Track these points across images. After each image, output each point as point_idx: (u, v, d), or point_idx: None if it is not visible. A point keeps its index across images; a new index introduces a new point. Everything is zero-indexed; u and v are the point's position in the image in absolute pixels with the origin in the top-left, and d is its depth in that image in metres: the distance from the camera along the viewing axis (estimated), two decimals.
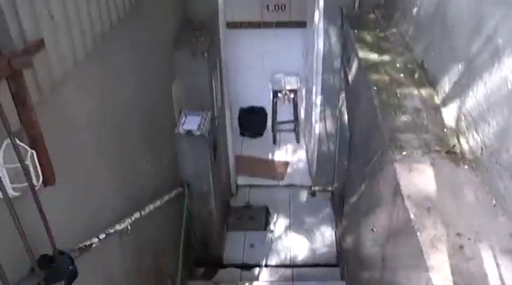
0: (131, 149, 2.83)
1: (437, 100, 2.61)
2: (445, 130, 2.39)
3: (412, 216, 1.89)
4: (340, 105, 4.64)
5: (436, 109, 2.56)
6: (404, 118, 2.53)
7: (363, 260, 3.15)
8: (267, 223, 5.16)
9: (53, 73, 1.68)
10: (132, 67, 2.80)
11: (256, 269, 4.44)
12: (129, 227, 2.57)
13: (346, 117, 4.67)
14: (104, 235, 2.19)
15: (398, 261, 2.20)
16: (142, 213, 2.81)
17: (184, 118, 4.00)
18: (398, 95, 2.74)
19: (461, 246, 1.74)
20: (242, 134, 6.54)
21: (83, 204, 2.09)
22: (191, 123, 3.95)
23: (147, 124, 3.14)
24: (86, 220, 2.14)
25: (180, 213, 3.91)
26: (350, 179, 4.31)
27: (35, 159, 1.51)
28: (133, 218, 2.62)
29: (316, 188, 5.44)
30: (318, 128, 4.96)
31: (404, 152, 2.25)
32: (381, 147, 2.54)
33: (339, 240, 4.63)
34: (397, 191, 2.12)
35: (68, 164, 1.91)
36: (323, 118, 4.90)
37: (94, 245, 2.07)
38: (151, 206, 3.00)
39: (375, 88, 2.81)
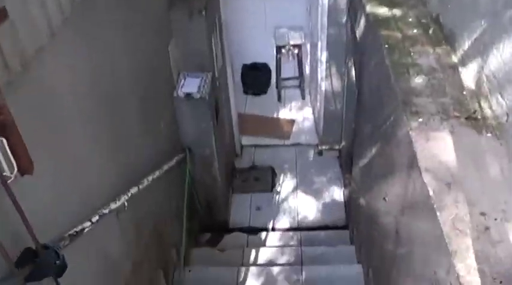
0: (125, 119, 2.65)
1: (455, 58, 2.38)
2: (464, 92, 2.18)
3: (431, 193, 1.72)
4: (347, 61, 4.40)
5: (454, 69, 2.34)
6: (419, 79, 2.31)
7: (374, 227, 3.02)
8: (273, 184, 5.03)
9: (24, 48, 1.47)
10: (122, 30, 2.58)
11: (263, 234, 4.34)
12: (126, 204, 2.43)
13: (353, 73, 4.43)
14: (97, 217, 2.04)
15: (414, 238, 2.05)
16: (141, 186, 2.66)
17: (183, 80, 3.79)
18: (412, 53, 2.51)
19: (487, 228, 1.57)
20: (245, 92, 6.32)
21: (71, 187, 1.93)
22: (190, 85, 3.75)
23: (143, 90, 2.94)
24: (77, 203, 1.99)
25: (183, 180, 3.76)
26: (359, 139, 4.14)
27: (5, 148, 1.34)
28: (130, 194, 2.47)
29: (323, 147, 5.27)
30: (324, 85, 4.74)
31: (420, 119, 2.06)
32: (393, 111, 2.34)
33: (348, 201, 4.50)
34: (413, 163, 1.94)
35: (51, 147, 1.74)
36: (329, 75, 4.67)
37: (87, 229, 1.93)
38: (150, 178, 2.85)
39: (386, 46, 2.58)
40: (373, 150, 3.04)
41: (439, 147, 1.90)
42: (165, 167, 3.25)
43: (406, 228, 2.19)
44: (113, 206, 2.28)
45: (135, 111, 2.80)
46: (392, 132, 2.37)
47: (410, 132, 2.01)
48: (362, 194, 3.54)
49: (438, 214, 1.64)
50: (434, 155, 1.86)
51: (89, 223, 1.96)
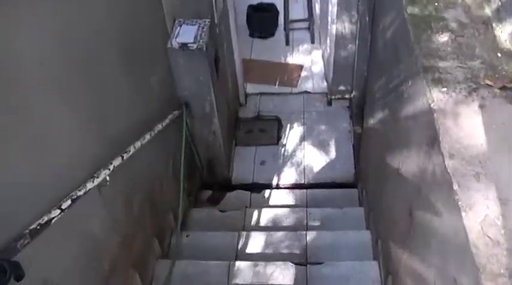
0: (106, 78, 2.33)
1: (488, 11, 2.01)
2: (499, 55, 1.83)
3: (455, 186, 1.43)
4: (359, 3, 3.98)
5: (487, 25, 1.97)
6: (443, 37, 1.96)
7: (385, 198, 2.75)
8: (279, 137, 4.75)
9: None
10: None
11: (267, 191, 4.11)
12: (107, 179, 2.17)
13: (367, 18, 4.02)
14: (69, 202, 1.79)
15: (431, 230, 1.78)
16: (126, 156, 2.39)
17: (178, 29, 3.43)
18: (436, 4, 2.14)
19: None
20: (251, 35, 5.91)
21: (37, 170, 1.67)
22: (186, 34, 3.39)
23: (129, 41, 2.61)
24: (45, 186, 1.73)
25: (180, 138, 3.49)
26: (371, 90, 3.80)
27: None
28: (112, 167, 2.21)
29: (333, 96, 4.94)
30: (334, 28, 4.33)
31: (444, 88, 1.73)
32: (411, 75, 2.01)
33: (358, 158, 4.22)
34: (434, 143, 1.64)
35: (13, 124, 1.47)
36: (340, 18, 4.26)
37: (56, 219, 1.68)
38: (139, 144, 2.58)
39: None
40: (387, 111, 2.72)
41: (466, 126, 1.59)
42: (158, 127, 2.96)
43: (421, 215, 1.92)
44: (90, 185, 2.02)
45: (118, 67, 2.48)
46: (409, 98, 2.05)
47: (431, 105, 1.69)
48: (373, 155, 3.25)
49: (463, 214, 1.36)
50: (461, 137, 1.55)
51: (58, 211, 1.71)
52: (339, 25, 4.31)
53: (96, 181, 2.07)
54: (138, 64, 2.79)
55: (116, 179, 2.28)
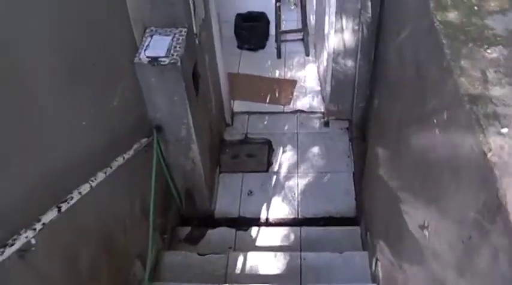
0: (43, 98, 1.78)
1: None
2: None
3: None
4: (362, 10, 3.45)
5: None
6: (493, 52, 1.42)
7: (404, 260, 2.18)
8: (270, 162, 4.19)
9: None
10: None
11: (255, 229, 3.54)
12: (32, 241, 1.61)
13: (372, 28, 3.50)
14: None
15: None
16: (66, 205, 1.82)
17: (148, 40, 2.89)
18: (475, 8, 1.60)
19: None
20: (240, 47, 5.37)
21: None
22: (158, 46, 2.85)
23: (80, 51, 2.07)
24: None
25: (151, 167, 2.92)
26: (377, 116, 3.27)
27: None
28: (40, 225, 1.64)
29: (330, 116, 4.40)
30: (332, 40, 3.80)
31: (504, 130, 1.19)
32: (448, 106, 1.46)
33: (360, 189, 3.67)
34: (494, 215, 1.09)
35: None
36: (340, 28, 3.72)
37: None
38: (88, 187, 2.01)
39: None
40: (406, 146, 2.16)
41: None
42: (119, 161, 2.40)
43: None
44: (7, 251, 1.46)
45: (61, 85, 1.93)
46: (445, 138, 1.50)
47: (488, 156, 1.14)
48: (382, 196, 2.69)
49: None
50: None
51: None
52: (337, 36, 3.78)
53: (15, 247, 1.50)
54: (92, 82, 2.24)
55: (51, 235, 1.72)
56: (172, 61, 2.75)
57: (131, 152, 2.58)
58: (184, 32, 2.95)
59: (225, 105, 4.37)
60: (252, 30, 5.19)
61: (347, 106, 4.28)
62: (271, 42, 5.35)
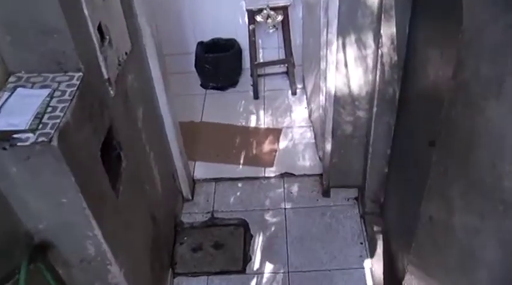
0: None
1: None
2: None
3: None
4: (381, 31, 2.19)
5: None
6: None
7: None
8: (247, 256, 2.85)
9: None
10: None
11: None
12: None
13: (395, 56, 2.25)
14: None
15: None
16: None
17: (5, 97, 1.56)
18: None
19: None
20: (204, 85, 4.07)
21: None
22: (19, 109, 1.53)
23: None
24: None
25: None
26: (400, 188, 2.00)
27: None
28: None
29: (331, 183, 3.09)
30: (332, 77, 2.52)
31: None
32: None
33: None
34: None
35: None
36: (343, 60, 2.45)
37: None
38: None
39: None
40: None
41: None
42: None
43: None
44: None
45: None
46: None
47: None
48: None
49: None
50: None
51: None
52: (341, 72, 2.50)
53: None
54: None
55: None
56: (40, 140, 1.42)
57: None
58: (78, 79, 1.63)
59: (180, 172, 3.02)
60: (218, 64, 3.89)
61: (356, 168, 2.98)
62: (245, 78, 4.06)
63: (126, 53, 2.14)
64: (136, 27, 2.30)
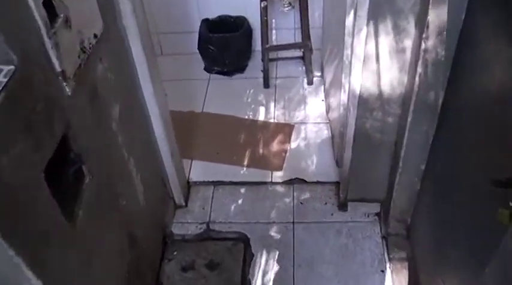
0: None
1: None
2: None
3: None
4: (429, 22, 1.68)
5: None
6: None
7: None
8: (245, 281, 2.41)
9: None
10: None
11: None
12: None
13: (441, 56, 1.74)
14: None
15: None
16: None
17: None
18: None
19: None
20: (208, 69, 3.59)
21: None
22: None
23: None
24: None
25: None
26: (440, 213, 1.52)
27: None
28: None
29: (350, 195, 2.61)
30: (358, 73, 2.02)
31: None
32: None
33: None
34: None
35: None
36: (373, 52, 1.94)
37: None
38: None
39: None
40: None
41: None
42: None
43: None
44: None
45: None
46: None
47: None
48: None
49: None
50: None
51: None
52: (369, 66, 1.99)
53: None
54: None
55: None
56: None
57: None
58: (5, 75, 1.16)
59: (171, 176, 2.56)
60: (224, 45, 3.38)
61: (380, 180, 2.50)
62: (254, 63, 3.56)
63: (95, 36, 1.65)
64: (113, 2, 1.81)
